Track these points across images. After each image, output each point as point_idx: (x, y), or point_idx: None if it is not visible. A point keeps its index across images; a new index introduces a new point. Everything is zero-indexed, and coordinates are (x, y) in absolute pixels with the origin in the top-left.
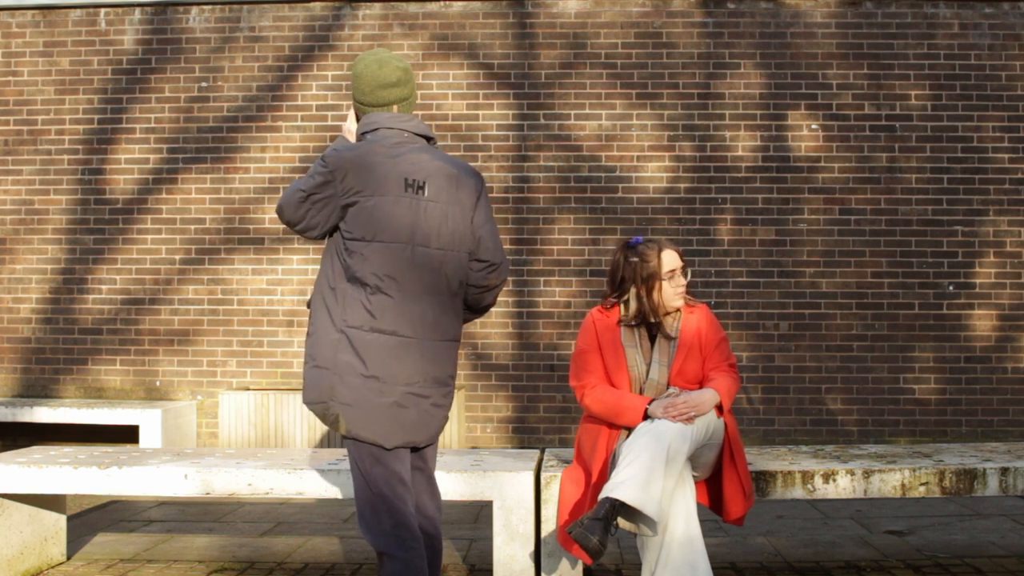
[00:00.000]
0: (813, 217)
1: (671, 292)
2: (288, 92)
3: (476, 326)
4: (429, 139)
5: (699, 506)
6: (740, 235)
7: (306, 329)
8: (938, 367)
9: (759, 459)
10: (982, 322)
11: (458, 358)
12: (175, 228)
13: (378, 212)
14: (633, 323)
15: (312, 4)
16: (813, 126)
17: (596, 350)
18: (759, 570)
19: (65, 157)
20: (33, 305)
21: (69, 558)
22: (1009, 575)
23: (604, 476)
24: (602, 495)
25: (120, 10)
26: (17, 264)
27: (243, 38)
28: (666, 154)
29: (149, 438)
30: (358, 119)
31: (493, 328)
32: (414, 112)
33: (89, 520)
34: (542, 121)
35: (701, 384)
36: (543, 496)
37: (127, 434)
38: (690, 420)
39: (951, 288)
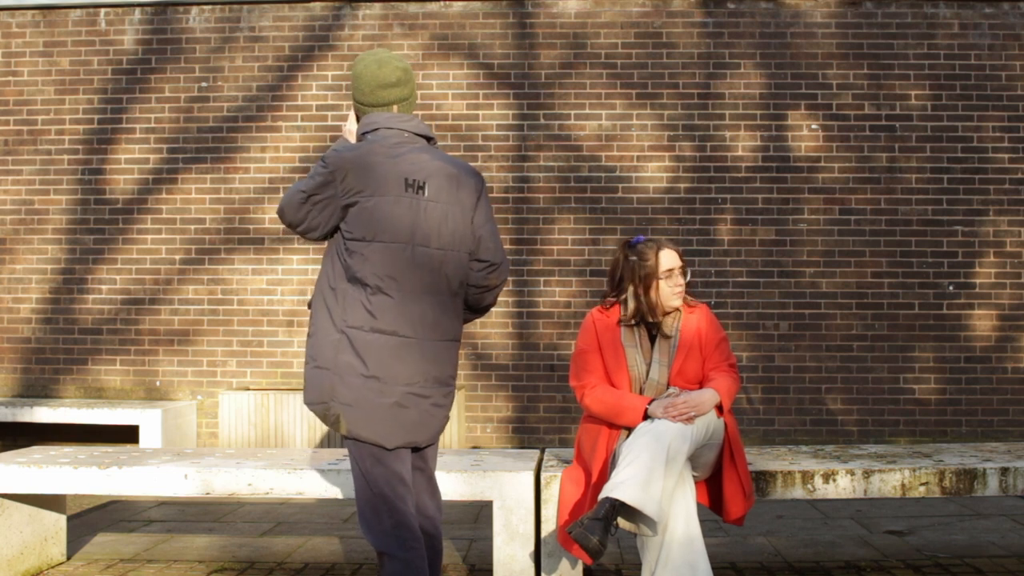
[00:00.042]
0: (813, 217)
1: (668, 292)
2: (288, 92)
3: (476, 326)
4: (429, 139)
5: (699, 506)
6: (740, 235)
7: (306, 329)
8: (938, 367)
9: (759, 459)
10: (982, 322)
11: (458, 358)
12: (175, 228)
13: (378, 212)
14: (632, 323)
15: (312, 4)
16: (813, 126)
17: (596, 350)
18: (759, 570)
19: (65, 157)
20: (33, 305)
21: (69, 558)
22: (1009, 575)
23: (604, 476)
24: (602, 495)
25: (120, 10)
26: (17, 264)
27: (243, 38)
28: (666, 154)
29: (149, 438)
30: (358, 119)
31: (493, 328)
32: (414, 112)
33: (89, 520)
34: (542, 121)
35: (701, 384)
36: (543, 496)
37: (127, 434)
38: (690, 420)
39: (951, 288)
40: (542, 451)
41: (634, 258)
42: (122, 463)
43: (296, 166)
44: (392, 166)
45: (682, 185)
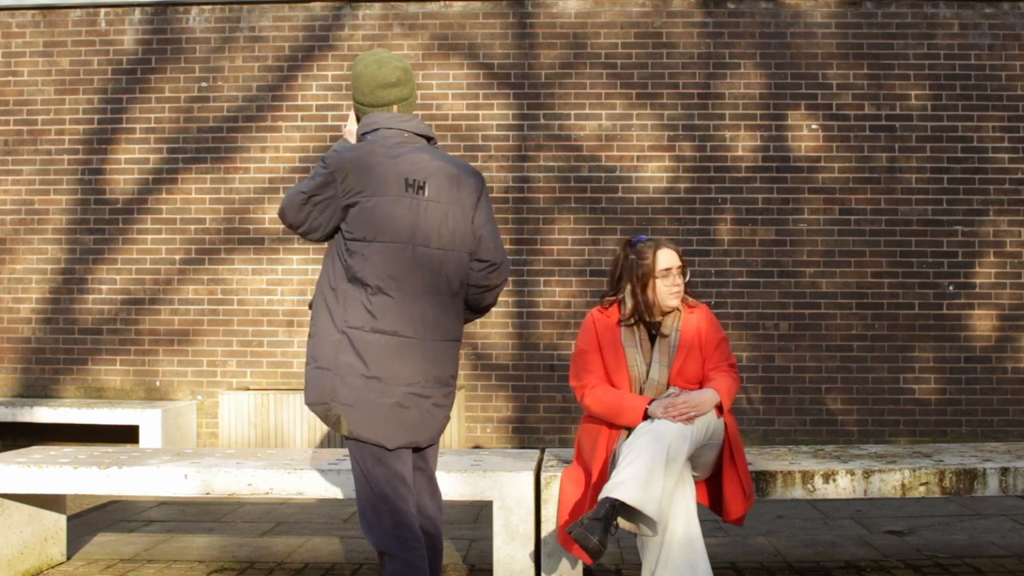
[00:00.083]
0: (813, 217)
1: (665, 291)
2: (288, 92)
3: (476, 326)
4: (429, 139)
5: (699, 506)
6: (740, 235)
7: (306, 329)
8: (938, 367)
9: (759, 459)
10: (982, 322)
11: (459, 358)
12: (175, 228)
13: (379, 212)
14: (631, 322)
15: (312, 4)
16: (813, 126)
17: (596, 350)
18: (759, 570)
19: (65, 157)
20: (33, 305)
21: (69, 558)
22: (1009, 575)
23: (604, 476)
24: (602, 495)
25: (120, 10)
26: (17, 264)
27: (243, 38)
28: (666, 154)
29: (149, 438)
30: (358, 120)
31: (493, 328)
32: (414, 112)
33: (89, 520)
34: (542, 121)
35: (701, 384)
36: (543, 496)
37: (127, 434)
38: (690, 420)
39: (951, 288)
40: (542, 451)
41: (633, 257)
42: (122, 463)
43: (296, 166)
44: (392, 166)
45: (682, 185)
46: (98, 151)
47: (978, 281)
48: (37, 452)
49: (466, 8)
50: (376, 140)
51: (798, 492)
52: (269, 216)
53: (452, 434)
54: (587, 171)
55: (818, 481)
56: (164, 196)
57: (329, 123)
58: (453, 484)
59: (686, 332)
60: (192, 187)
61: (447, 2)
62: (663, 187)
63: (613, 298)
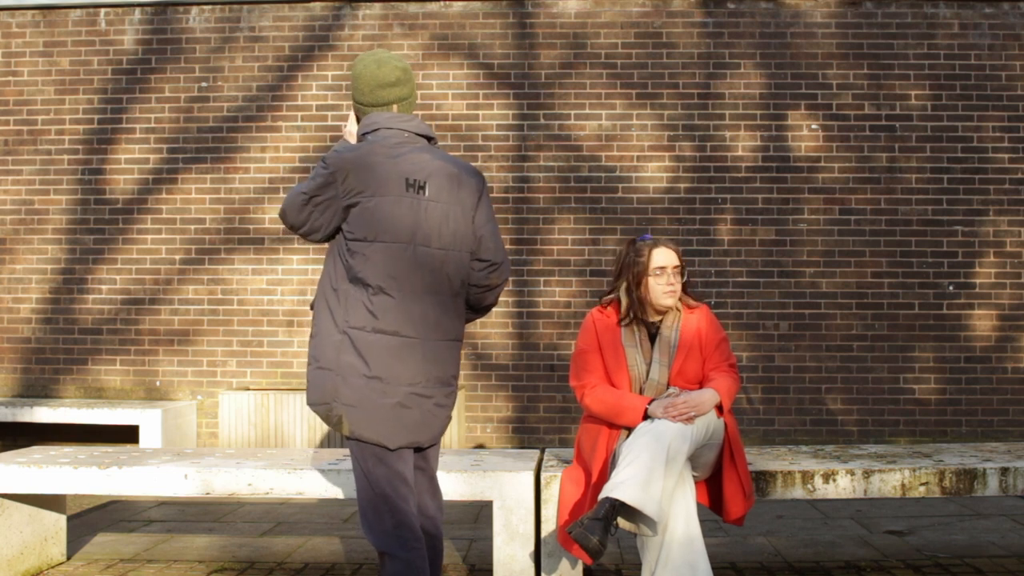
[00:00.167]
0: (813, 217)
1: (658, 289)
2: (288, 92)
3: (476, 326)
4: (430, 139)
5: (699, 506)
6: (740, 235)
7: (306, 329)
8: (938, 367)
9: (759, 459)
10: (982, 322)
11: (460, 358)
12: (175, 228)
13: (379, 212)
14: (628, 320)
15: (312, 4)
16: (813, 126)
17: (596, 350)
18: (759, 570)
19: (65, 157)
20: (33, 305)
21: (69, 558)
22: (1009, 575)
23: (604, 476)
24: (602, 495)
25: (120, 10)
26: (17, 264)
27: (243, 38)
28: (666, 154)
29: (149, 438)
30: (358, 120)
31: (493, 328)
32: (414, 112)
33: (89, 520)
34: (542, 121)
35: (701, 384)
36: (543, 496)
37: (127, 434)
38: (690, 420)
39: (951, 288)
40: (542, 451)
41: (631, 254)
42: (122, 463)
43: (296, 166)
44: (393, 166)
45: (682, 185)
46: (98, 151)
47: (978, 281)
48: (37, 452)
49: (466, 8)
50: (376, 140)
51: (798, 492)
52: (269, 216)
53: (452, 434)
54: (587, 171)
55: (818, 481)
56: (164, 196)
57: (329, 123)
58: (453, 484)
59: (686, 332)
60: (192, 187)
61: (447, 2)
62: (663, 187)
63: (611, 296)
